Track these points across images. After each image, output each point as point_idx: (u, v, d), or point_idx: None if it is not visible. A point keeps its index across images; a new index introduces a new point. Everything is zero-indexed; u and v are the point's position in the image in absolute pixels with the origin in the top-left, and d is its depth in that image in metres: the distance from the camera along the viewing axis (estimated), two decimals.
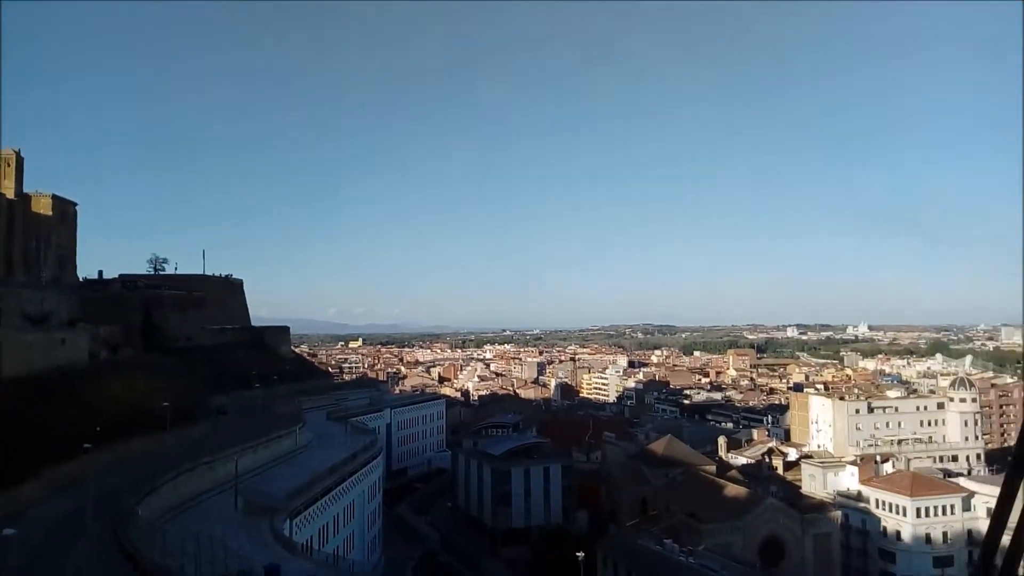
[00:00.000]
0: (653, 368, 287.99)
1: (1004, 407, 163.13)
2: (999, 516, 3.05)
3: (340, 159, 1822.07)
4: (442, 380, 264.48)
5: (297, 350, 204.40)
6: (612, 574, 68.67)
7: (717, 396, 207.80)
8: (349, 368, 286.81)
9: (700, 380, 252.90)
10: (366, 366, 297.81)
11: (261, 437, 70.41)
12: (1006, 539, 3.15)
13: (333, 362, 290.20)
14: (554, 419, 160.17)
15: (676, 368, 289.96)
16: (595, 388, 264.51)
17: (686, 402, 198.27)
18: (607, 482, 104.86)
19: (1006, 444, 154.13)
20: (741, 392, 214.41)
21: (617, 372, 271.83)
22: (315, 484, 61.94)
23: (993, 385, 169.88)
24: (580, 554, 54.97)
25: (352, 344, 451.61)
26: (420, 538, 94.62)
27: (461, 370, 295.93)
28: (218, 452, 60.72)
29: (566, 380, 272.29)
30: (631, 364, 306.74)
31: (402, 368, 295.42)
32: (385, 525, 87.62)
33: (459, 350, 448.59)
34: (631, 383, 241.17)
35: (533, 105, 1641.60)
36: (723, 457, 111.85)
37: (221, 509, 52.35)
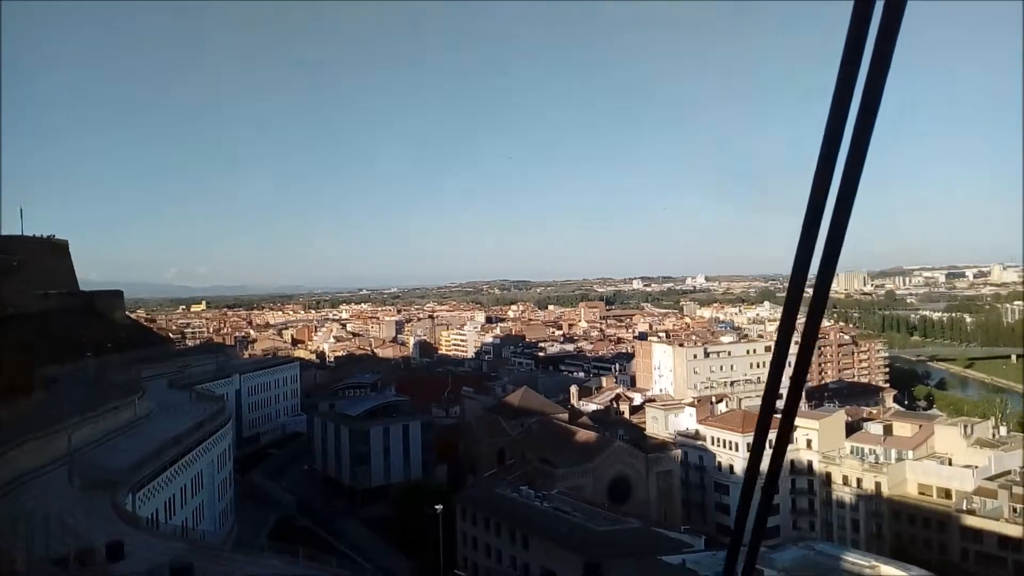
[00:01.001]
0: (510, 323, 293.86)
1: (821, 348, 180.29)
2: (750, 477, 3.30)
3: (179, 106, 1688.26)
4: (295, 343, 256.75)
5: (133, 316, 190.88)
6: (471, 524, 70.30)
7: (570, 347, 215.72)
8: (192, 333, 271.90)
9: (554, 333, 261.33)
10: (211, 331, 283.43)
11: (97, 409, 65.55)
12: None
13: (174, 327, 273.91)
14: (413, 377, 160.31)
15: (532, 322, 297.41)
16: (454, 345, 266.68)
17: (541, 354, 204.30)
18: (466, 436, 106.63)
19: (823, 381, 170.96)
20: (592, 343, 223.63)
21: (475, 328, 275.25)
22: (158, 455, 58.61)
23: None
24: (438, 507, 55.77)
25: (195, 308, 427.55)
26: (275, 503, 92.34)
27: (315, 332, 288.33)
28: (49, 426, 55.99)
29: (425, 338, 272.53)
30: (489, 320, 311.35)
31: (251, 332, 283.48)
32: (238, 493, 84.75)
33: (313, 311, 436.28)
34: (489, 338, 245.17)
35: (380, 57, 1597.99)
36: (575, 405, 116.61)
37: (56, 486, 48.52)
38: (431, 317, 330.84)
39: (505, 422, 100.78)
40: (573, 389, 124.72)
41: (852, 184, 2.21)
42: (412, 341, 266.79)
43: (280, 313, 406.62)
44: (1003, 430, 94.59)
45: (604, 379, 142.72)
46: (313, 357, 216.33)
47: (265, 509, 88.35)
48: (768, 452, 3.32)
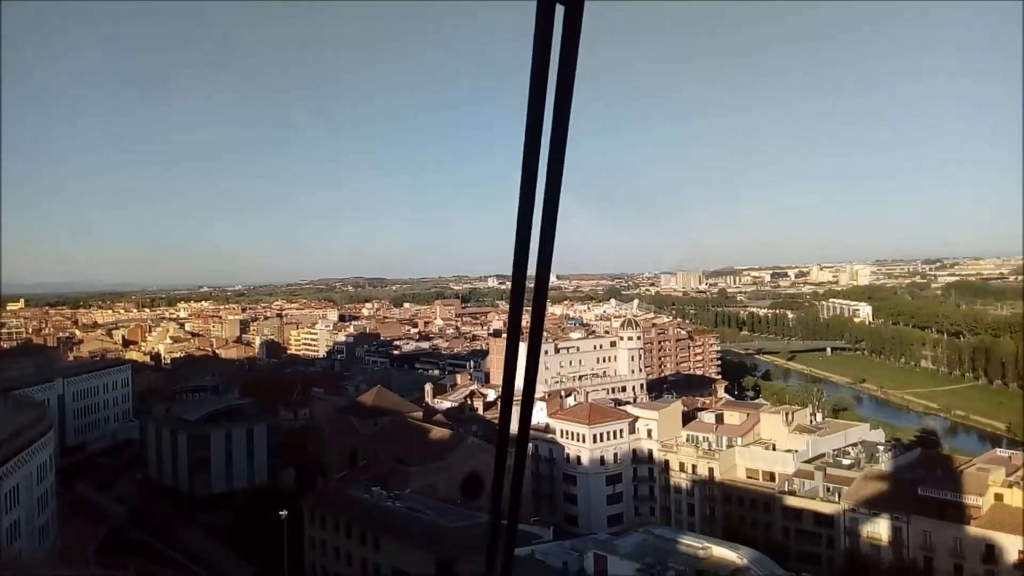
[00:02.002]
0: (364, 321, 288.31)
1: (661, 342, 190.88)
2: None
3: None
4: (127, 344, 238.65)
5: None
6: (320, 528, 68.42)
7: (425, 345, 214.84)
8: (8, 334, 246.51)
9: (410, 331, 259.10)
10: (31, 331, 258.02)
11: None
12: None
13: None
14: (259, 379, 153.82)
15: (387, 320, 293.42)
16: (305, 344, 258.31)
17: (396, 353, 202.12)
18: (316, 438, 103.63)
19: (663, 373, 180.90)
20: (447, 340, 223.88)
21: (327, 327, 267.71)
22: None
23: (654, 324, 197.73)
24: (283, 512, 53.86)
25: (12, 306, 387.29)
26: (104, 516, 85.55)
27: (150, 332, 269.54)
28: None
29: (272, 337, 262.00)
30: (342, 318, 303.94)
31: (77, 332, 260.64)
32: (62, 506, 77.72)
33: (147, 310, 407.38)
34: (342, 337, 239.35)
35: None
36: (429, 403, 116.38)
37: None
38: (280, 315, 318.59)
39: (357, 422, 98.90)
40: (428, 387, 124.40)
41: (555, 184, 2.27)
42: (258, 341, 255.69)
43: (110, 312, 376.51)
44: (819, 416, 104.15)
45: (459, 376, 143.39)
46: (147, 359, 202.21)
47: (93, 522, 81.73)
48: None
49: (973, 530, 66.16)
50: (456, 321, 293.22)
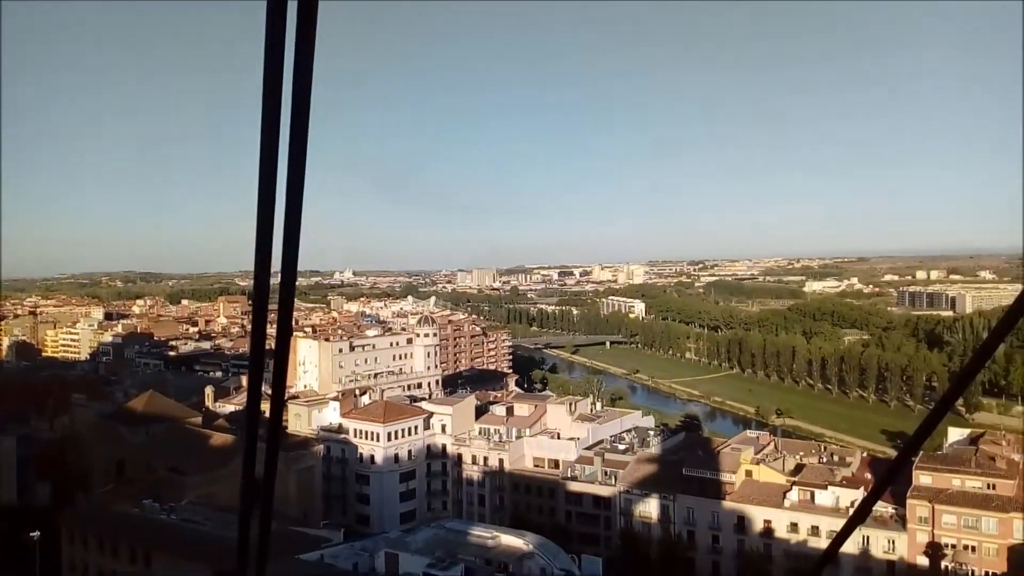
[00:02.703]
0: (135, 320, 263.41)
1: (457, 339, 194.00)
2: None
3: None
4: None
5: None
6: (81, 547, 61.70)
7: (207, 345, 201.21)
8: None
9: (189, 330, 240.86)
10: None
11: None
12: None
13: None
14: (7, 384, 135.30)
15: (162, 319, 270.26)
16: (63, 346, 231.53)
17: (172, 354, 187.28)
18: (75, 449, 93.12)
19: (459, 369, 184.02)
20: (232, 340, 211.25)
21: (91, 326, 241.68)
22: None
23: (450, 321, 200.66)
24: (35, 533, 47.95)
25: None
26: None
27: None
28: None
29: (24, 338, 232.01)
30: (108, 316, 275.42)
31: None
32: None
33: None
34: (108, 337, 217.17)
35: None
36: (210, 407, 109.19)
37: None
38: (33, 313, 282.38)
39: (126, 430, 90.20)
40: (208, 390, 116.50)
41: (298, 184, 2.26)
42: (6, 342, 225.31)
43: None
44: (599, 406, 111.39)
45: (245, 378, 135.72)
46: None
47: None
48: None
49: (728, 504, 74.18)
50: (242, 319, 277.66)
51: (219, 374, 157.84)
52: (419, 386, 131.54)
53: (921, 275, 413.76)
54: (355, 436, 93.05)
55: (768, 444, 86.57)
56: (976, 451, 73.08)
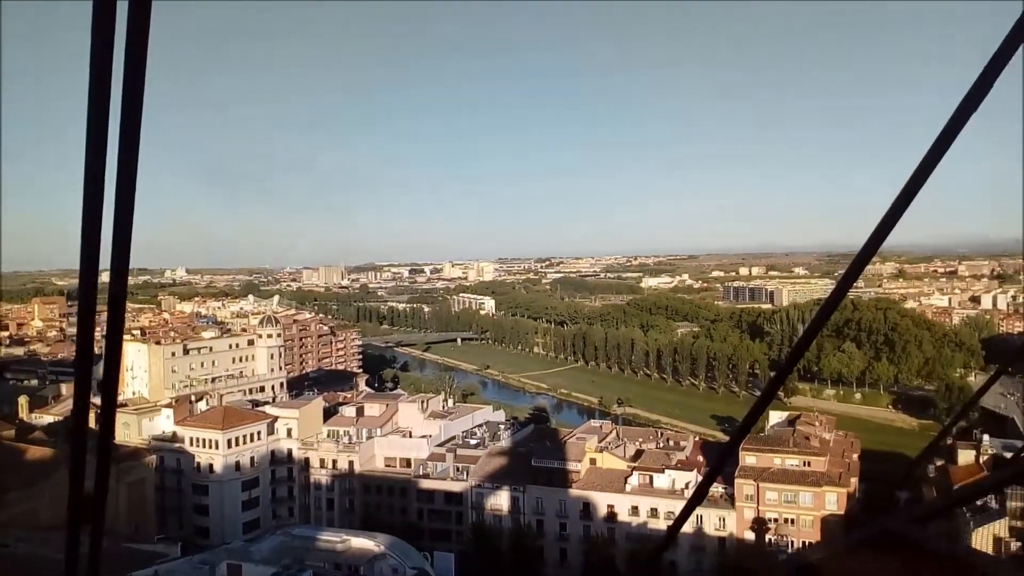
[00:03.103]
0: None
1: (303, 339, 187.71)
2: None
3: None
4: None
5: None
6: None
7: (19, 351, 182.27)
8: None
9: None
10: None
11: None
12: None
13: None
14: None
15: None
16: None
17: None
18: None
19: (305, 370, 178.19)
20: (49, 344, 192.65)
21: None
22: None
23: (295, 321, 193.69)
24: None
25: None
26: None
27: None
28: None
29: None
30: None
31: None
32: None
33: None
34: None
35: None
36: (24, 418, 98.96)
37: None
38: None
39: None
40: (22, 400, 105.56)
41: (130, 180, 2.18)
42: None
43: None
44: (451, 402, 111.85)
45: (64, 386, 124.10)
46: None
47: None
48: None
49: (574, 492, 76.95)
50: (61, 322, 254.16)
51: (35, 382, 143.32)
52: (262, 389, 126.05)
53: (744, 271, 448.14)
54: (191, 444, 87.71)
55: (611, 432, 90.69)
56: (794, 432, 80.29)
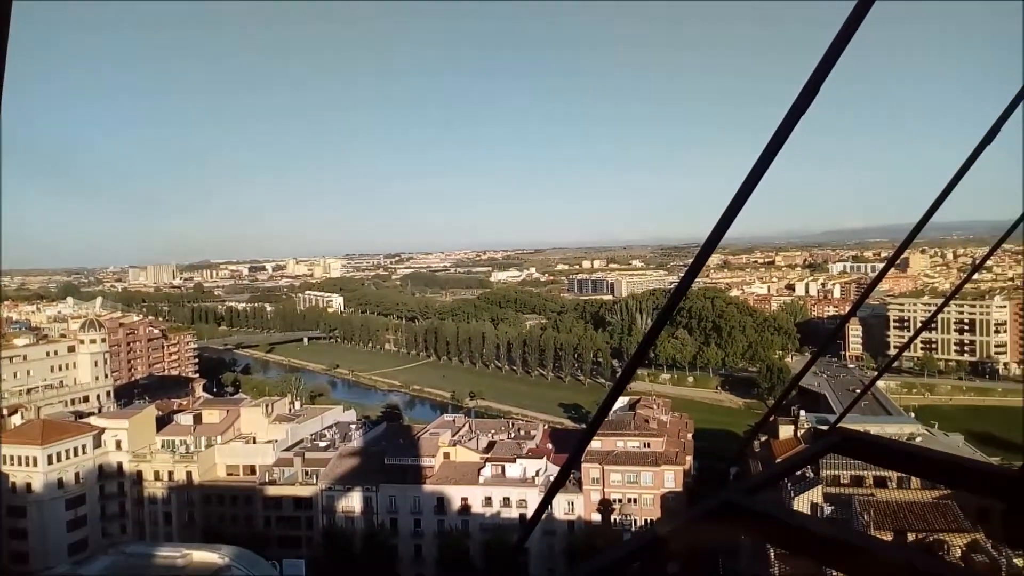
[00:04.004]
0: None
1: (131, 343, 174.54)
2: None
3: None
4: None
5: None
6: None
7: None
8: None
9: None
10: None
11: None
12: None
13: None
14: None
15: None
16: None
17: None
18: None
19: (134, 377, 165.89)
20: None
21: None
22: None
23: (121, 324, 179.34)
24: None
25: None
26: None
27: None
28: None
29: None
30: None
31: None
32: None
33: None
34: None
35: None
36: None
37: None
38: None
39: None
40: None
41: None
42: None
43: None
44: (298, 404, 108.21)
45: None
46: None
47: None
48: None
49: (428, 487, 76.95)
50: None
51: None
52: (86, 399, 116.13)
53: (587, 264, 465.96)
54: (6, 463, 79.26)
55: (463, 426, 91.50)
56: (634, 415, 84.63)
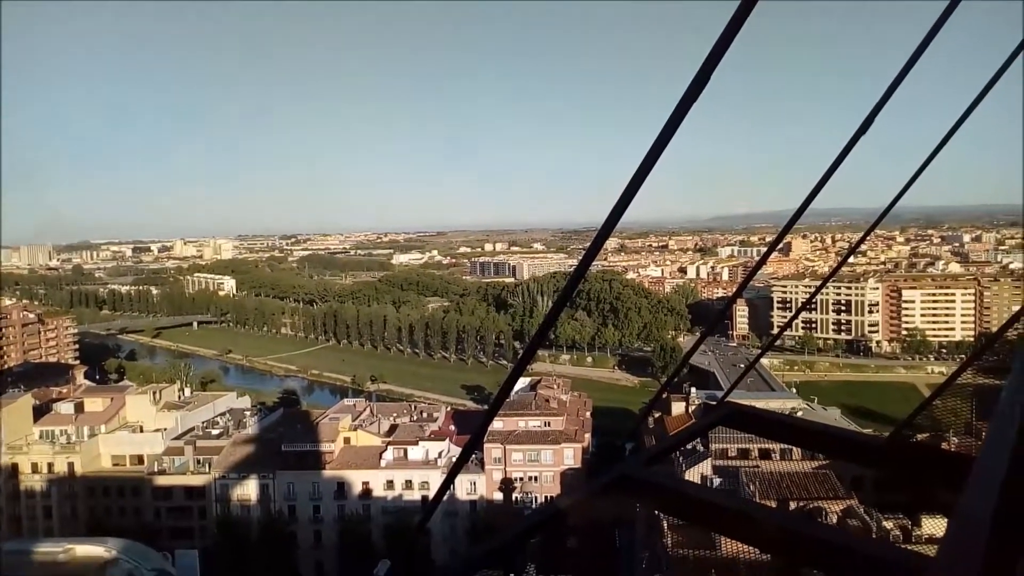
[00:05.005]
0: None
1: (4, 329, 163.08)
2: None
3: None
4: None
5: None
6: None
7: None
8: None
9: None
10: None
11: None
12: None
13: None
14: None
15: None
16: None
17: None
18: None
19: (7, 365, 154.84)
20: None
21: None
22: None
23: None
24: None
25: None
26: None
27: None
28: None
29: None
30: None
31: None
32: None
33: None
34: None
35: None
36: None
37: None
38: None
39: None
40: None
41: None
42: None
43: None
44: (188, 391, 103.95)
45: None
46: None
47: None
48: None
49: (328, 473, 75.74)
50: None
51: None
52: None
53: (489, 247, 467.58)
54: None
55: (364, 410, 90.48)
56: (535, 395, 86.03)
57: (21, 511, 78.66)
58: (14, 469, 78.99)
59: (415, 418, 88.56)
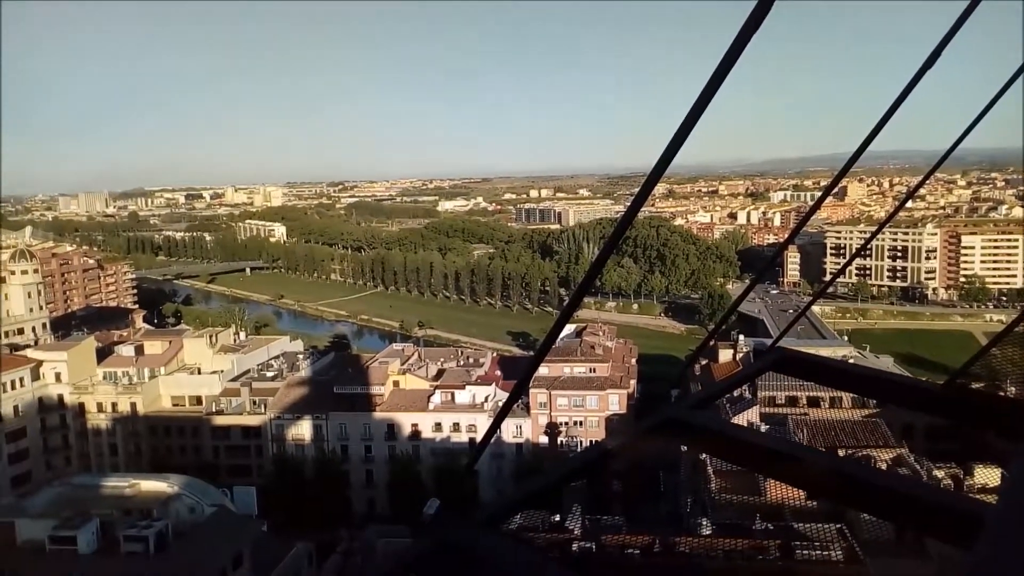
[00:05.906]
0: None
1: (65, 274, 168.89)
2: None
3: None
4: None
5: None
6: None
7: None
8: None
9: None
10: None
11: None
12: None
13: None
14: None
15: None
16: None
17: None
18: None
19: (71, 309, 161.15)
20: None
21: None
22: None
23: (55, 254, 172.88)
24: None
25: None
26: None
27: None
28: None
29: None
30: None
31: None
32: None
33: None
34: None
35: None
36: None
37: None
38: None
39: None
40: None
41: None
42: None
43: None
44: (243, 335, 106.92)
45: None
46: None
47: None
48: None
49: (378, 414, 77.74)
50: None
51: None
52: (21, 332, 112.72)
53: (534, 193, 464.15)
54: None
55: (412, 355, 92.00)
56: (580, 342, 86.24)
57: (89, 448, 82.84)
58: (81, 408, 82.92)
59: (462, 363, 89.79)
